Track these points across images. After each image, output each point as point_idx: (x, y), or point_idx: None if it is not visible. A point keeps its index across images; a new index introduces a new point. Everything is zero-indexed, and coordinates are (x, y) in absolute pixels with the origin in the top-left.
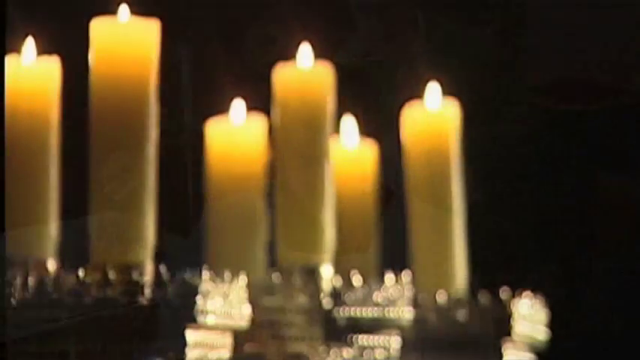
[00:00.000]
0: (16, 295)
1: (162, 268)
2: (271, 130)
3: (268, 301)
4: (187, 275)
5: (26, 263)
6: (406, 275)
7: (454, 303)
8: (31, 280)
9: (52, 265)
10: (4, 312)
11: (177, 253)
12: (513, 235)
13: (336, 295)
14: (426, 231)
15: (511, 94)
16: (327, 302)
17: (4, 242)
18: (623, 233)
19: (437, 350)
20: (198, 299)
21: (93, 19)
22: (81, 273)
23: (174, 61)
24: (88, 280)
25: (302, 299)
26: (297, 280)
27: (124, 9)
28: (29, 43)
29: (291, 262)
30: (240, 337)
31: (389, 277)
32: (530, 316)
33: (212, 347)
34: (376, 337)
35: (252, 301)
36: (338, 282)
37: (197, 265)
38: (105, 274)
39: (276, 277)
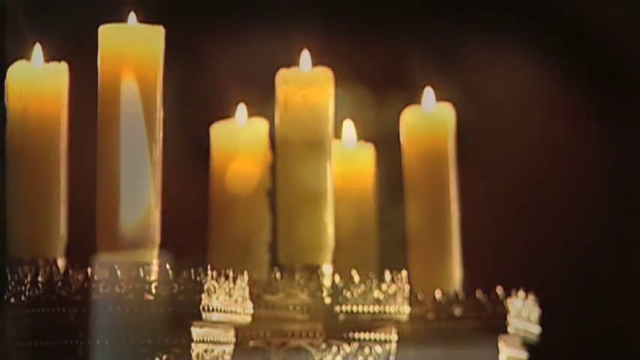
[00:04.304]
0: (27, 293)
1: (168, 267)
2: (273, 134)
3: (270, 299)
4: (192, 273)
5: (36, 262)
6: (404, 273)
7: (451, 300)
8: (40, 279)
9: (61, 263)
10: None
11: (181, 252)
12: (508, 235)
13: (337, 293)
14: (423, 230)
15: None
16: (327, 299)
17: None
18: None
19: (434, 346)
20: (203, 297)
21: (101, 27)
22: (89, 271)
23: (180, 67)
24: (96, 278)
25: (303, 296)
26: (299, 278)
27: (132, 17)
28: (37, 50)
29: (292, 260)
30: (243, 333)
31: (387, 275)
32: (523, 314)
33: (216, 343)
34: (375, 333)
35: (255, 298)
36: (338, 280)
37: (201, 264)
38: (113, 272)
39: (278, 275)
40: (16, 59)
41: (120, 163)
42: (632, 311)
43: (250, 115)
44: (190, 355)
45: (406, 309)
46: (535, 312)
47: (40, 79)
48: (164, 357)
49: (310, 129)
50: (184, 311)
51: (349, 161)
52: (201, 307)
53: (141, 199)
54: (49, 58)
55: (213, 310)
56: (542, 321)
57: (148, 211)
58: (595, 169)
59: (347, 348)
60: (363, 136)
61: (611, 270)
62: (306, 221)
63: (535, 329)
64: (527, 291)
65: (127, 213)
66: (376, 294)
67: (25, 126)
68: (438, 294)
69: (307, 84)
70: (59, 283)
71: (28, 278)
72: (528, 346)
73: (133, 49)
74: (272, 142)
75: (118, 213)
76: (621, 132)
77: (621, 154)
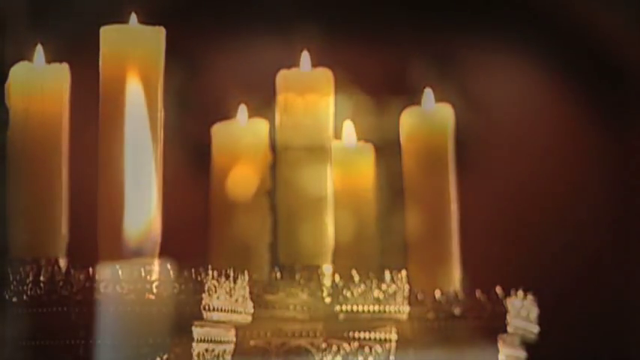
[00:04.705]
0: (28, 292)
1: (169, 266)
2: (273, 135)
3: (271, 298)
4: (193, 273)
5: (37, 261)
6: (404, 273)
7: (450, 299)
8: (42, 278)
9: (62, 263)
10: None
11: (182, 251)
12: (508, 235)
13: (337, 292)
14: (423, 230)
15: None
16: (327, 299)
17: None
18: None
19: (434, 345)
20: (204, 296)
21: (103, 27)
22: (91, 271)
23: (180, 68)
24: (98, 277)
25: (303, 296)
26: (299, 277)
27: (133, 18)
28: (39, 51)
29: (292, 260)
30: (243, 332)
31: (387, 274)
32: (522, 313)
33: (217, 342)
34: (375, 333)
35: (255, 298)
36: (338, 279)
37: (202, 264)
38: (114, 272)
39: (278, 275)
40: (18, 60)
41: (121, 164)
42: (631, 311)
43: (251, 115)
44: (191, 354)
45: (406, 308)
46: (534, 311)
47: (42, 80)
48: (165, 356)
49: (310, 132)
50: (185, 311)
51: (349, 162)
52: (202, 307)
53: (143, 202)
54: (50, 59)
55: (214, 309)
56: (542, 321)
57: (151, 214)
58: (594, 169)
59: (347, 347)
60: (363, 136)
61: (610, 270)
62: (307, 224)
63: (534, 329)
64: (526, 291)
65: (129, 216)
66: (376, 293)
67: (26, 127)
68: (437, 294)
69: (307, 85)
70: (61, 283)
71: (30, 278)
72: (527, 345)
73: (134, 49)
74: (272, 144)
75: (121, 217)
76: (620, 132)
77: (621, 155)
